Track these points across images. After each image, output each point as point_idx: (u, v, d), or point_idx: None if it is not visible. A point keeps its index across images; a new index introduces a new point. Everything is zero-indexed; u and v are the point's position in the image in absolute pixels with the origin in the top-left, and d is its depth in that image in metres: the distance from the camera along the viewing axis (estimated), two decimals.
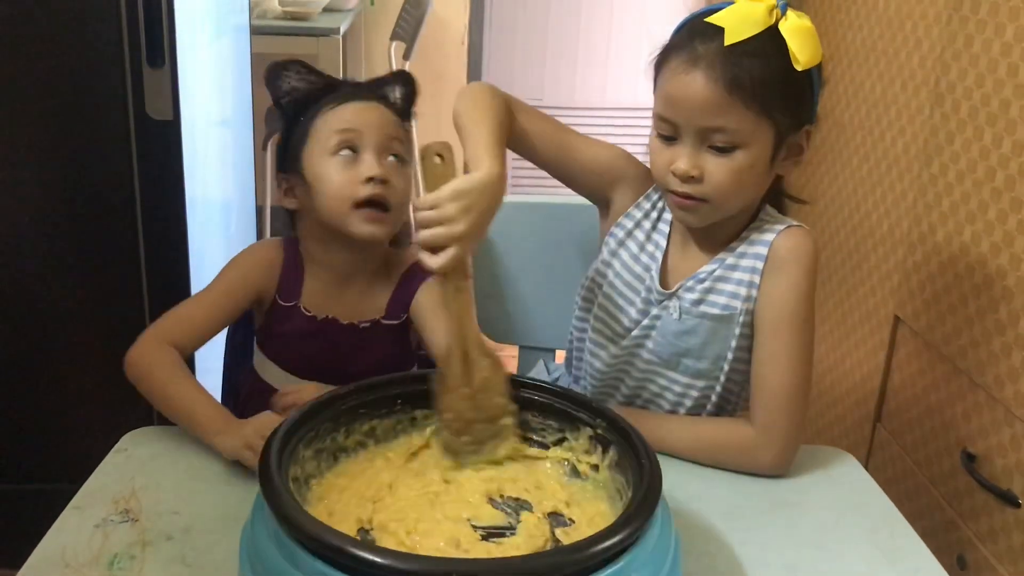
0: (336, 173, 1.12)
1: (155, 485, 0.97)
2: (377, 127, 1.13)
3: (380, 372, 1.17)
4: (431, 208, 0.89)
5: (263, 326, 1.21)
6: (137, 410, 1.78)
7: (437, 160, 0.92)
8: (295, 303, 1.17)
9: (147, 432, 1.07)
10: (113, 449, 1.04)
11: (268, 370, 1.21)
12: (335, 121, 1.14)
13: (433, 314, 1.15)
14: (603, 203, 1.22)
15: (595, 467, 0.92)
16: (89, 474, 0.99)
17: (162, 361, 1.08)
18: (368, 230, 1.12)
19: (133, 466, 1.00)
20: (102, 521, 0.91)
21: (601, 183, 1.19)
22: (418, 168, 0.96)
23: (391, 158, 1.14)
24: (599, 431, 0.91)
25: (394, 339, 1.21)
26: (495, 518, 0.86)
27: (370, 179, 1.10)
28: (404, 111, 1.20)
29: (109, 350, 1.77)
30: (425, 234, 0.89)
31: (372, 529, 0.83)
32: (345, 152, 1.12)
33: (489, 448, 0.92)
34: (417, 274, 1.20)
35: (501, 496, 0.89)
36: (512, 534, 0.84)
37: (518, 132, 1.12)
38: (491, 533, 0.84)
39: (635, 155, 1.22)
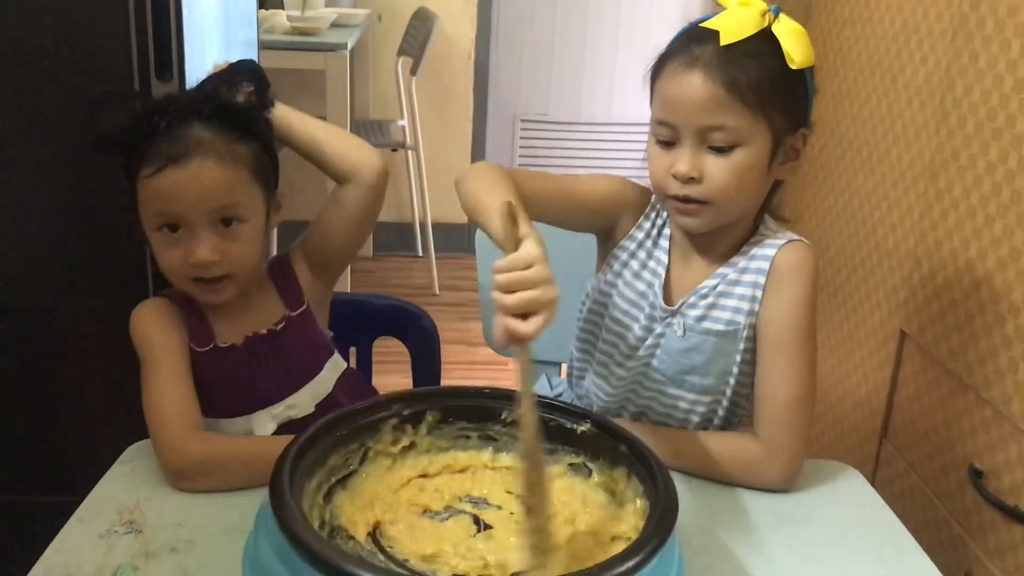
0: (161, 248, 1.07)
1: (159, 497, 0.97)
2: (200, 200, 1.03)
3: (307, 368, 1.17)
4: (526, 267, 0.80)
5: None
6: (141, 423, 1.79)
7: (510, 222, 0.84)
8: (212, 345, 1.12)
9: (151, 444, 1.07)
10: (117, 461, 1.04)
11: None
12: (152, 196, 1.04)
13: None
14: (607, 231, 1.21)
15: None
16: (92, 487, 0.99)
17: (217, 447, 1.01)
18: (212, 299, 1.10)
19: (137, 478, 1.01)
20: (106, 532, 0.91)
21: (607, 215, 1.19)
22: (495, 223, 0.86)
23: (223, 226, 1.06)
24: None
25: (307, 330, 1.18)
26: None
27: (197, 261, 1.05)
28: (252, 120, 1.10)
29: (114, 362, 1.78)
30: (520, 297, 0.79)
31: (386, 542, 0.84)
32: (166, 229, 1.05)
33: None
34: (278, 262, 1.20)
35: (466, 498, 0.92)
36: None
37: (527, 200, 1.05)
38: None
39: (637, 169, 1.22)
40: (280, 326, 1.16)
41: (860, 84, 1.93)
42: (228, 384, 1.12)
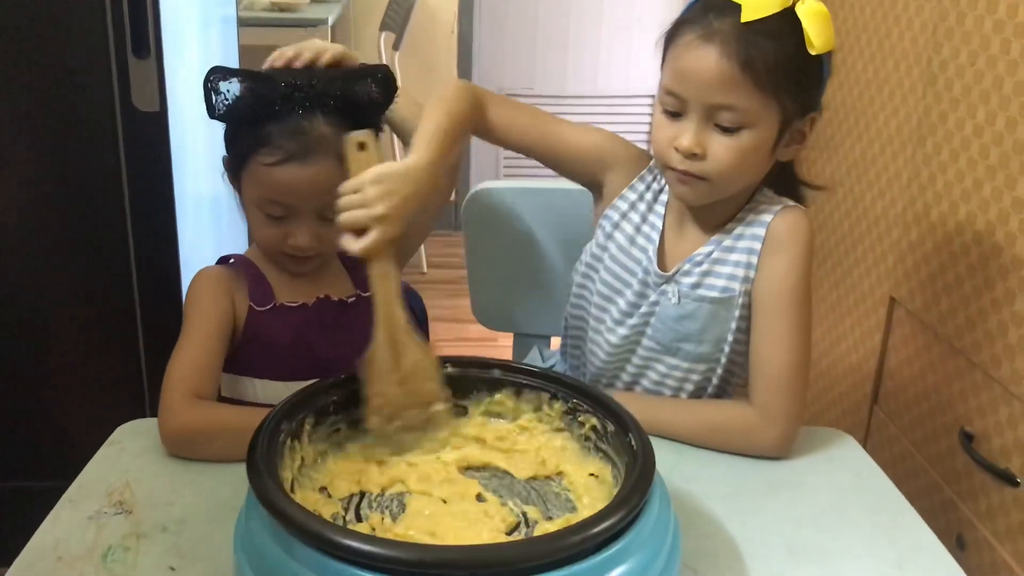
0: (262, 225, 1.11)
1: (149, 477, 0.96)
2: (313, 196, 1.07)
3: (362, 352, 1.18)
4: (353, 192, 0.91)
5: (240, 344, 1.14)
6: (127, 406, 1.78)
7: (357, 150, 0.93)
8: (273, 304, 1.14)
9: (140, 424, 1.06)
10: (106, 442, 1.03)
11: (243, 388, 1.16)
12: (266, 182, 1.08)
13: None
14: (596, 187, 1.21)
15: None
16: (80, 471, 0.98)
17: (208, 416, 1.02)
18: (296, 270, 1.15)
19: (126, 458, 1.00)
20: (95, 513, 0.90)
21: (591, 167, 1.19)
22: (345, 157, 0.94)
23: (324, 217, 1.09)
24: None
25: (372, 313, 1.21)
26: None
27: (295, 245, 1.10)
28: (373, 118, 1.12)
29: (99, 345, 1.77)
30: (346, 216, 0.90)
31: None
32: (275, 212, 1.09)
33: (420, 435, 0.91)
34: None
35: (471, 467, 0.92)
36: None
37: (492, 124, 1.13)
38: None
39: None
40: (351, 299, 1.19)
41: (846, 49, 1.92)
42: (289, 344, 1.14)
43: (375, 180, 0.91)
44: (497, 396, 0.96)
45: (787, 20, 1.00)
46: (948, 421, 1.45)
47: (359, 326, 1.18)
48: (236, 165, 1.12)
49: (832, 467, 1.06)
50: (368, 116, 1.11)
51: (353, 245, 0.90)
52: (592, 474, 0.89)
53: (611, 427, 0.87)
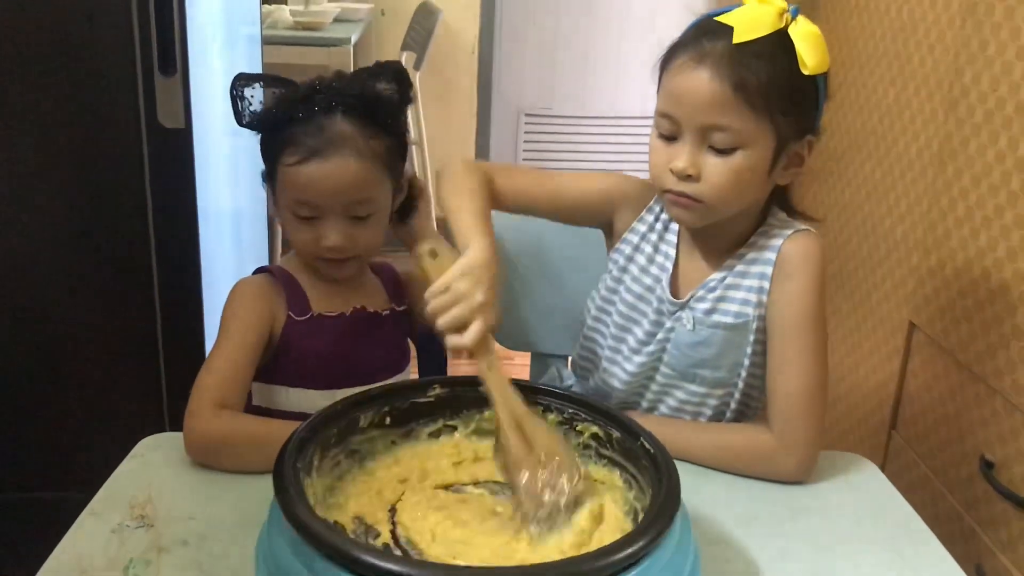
0: (296, 229, 1.13)
1: (171, 491, 0.97)
2: (337, 194, 1.09)
3: (391, 364, 1.20)
4: (443, 292, 0.90)
5: (276, 354, 1.16)
6: (147, 418, 1.79)
7: (431, 259, 0.93)
8: (310, 314, 1.16)
9: (162, 438, 1.07)
10: (129, 455, 1.04)
11: (276, 397, 1.17)
12: (291, 182, 1.10)
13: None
14: (607, 227, 1.23)
15: None
16: (102, 483, 0.99)
17: (232, 425, 1.02)
18: (334, 275, 1.16)
19: (149, 472, 1.00)
20: (118, 526, 0.91)
21: (601, 212, 1.20)
22: (417, 269, 0.95)
23: (355, 218, 1.12)
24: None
25: (403, 328, 1.25)
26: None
27: (329, 246, 1.11)
28: (393, 117, 1.15)
29: (121, 359, 1.78)
30: (446, 317, 0.89)
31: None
32: (304, 213, 1.11)
33: (568, 513, 0.84)
34: (382, 265, 1.26)
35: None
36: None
37: (504, 196, 1.15)
38: None
39: (642, 163, 1.22)
40: (386, 312, 1.21)
41: (867, 73, 1.92)
42: (326, 353, 1.15)
43: (461, 275, 0.91)
44: (488, 413, 0.95)
45: (780, 41, 1.01)
46: (968, 448, 1.44)
47: (392, 338, 1.23)
48: (270, 173, 1.14)
49: (853, 493, 1.06)
50: (385, 114, 1.14)
51: (461, 340, 0.89)
52: (596, 480, 0.89)
53: (616, 433, 0.87)
